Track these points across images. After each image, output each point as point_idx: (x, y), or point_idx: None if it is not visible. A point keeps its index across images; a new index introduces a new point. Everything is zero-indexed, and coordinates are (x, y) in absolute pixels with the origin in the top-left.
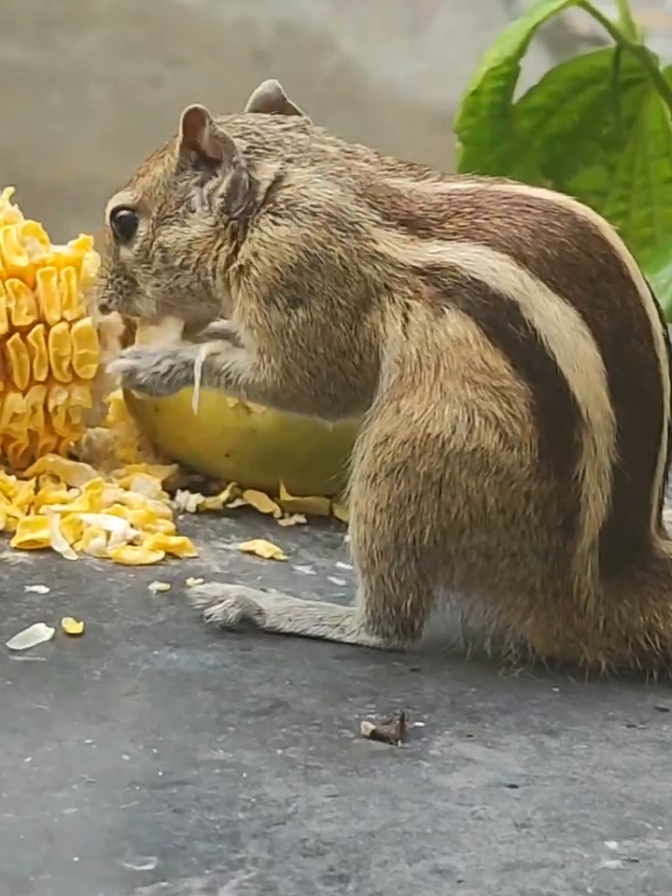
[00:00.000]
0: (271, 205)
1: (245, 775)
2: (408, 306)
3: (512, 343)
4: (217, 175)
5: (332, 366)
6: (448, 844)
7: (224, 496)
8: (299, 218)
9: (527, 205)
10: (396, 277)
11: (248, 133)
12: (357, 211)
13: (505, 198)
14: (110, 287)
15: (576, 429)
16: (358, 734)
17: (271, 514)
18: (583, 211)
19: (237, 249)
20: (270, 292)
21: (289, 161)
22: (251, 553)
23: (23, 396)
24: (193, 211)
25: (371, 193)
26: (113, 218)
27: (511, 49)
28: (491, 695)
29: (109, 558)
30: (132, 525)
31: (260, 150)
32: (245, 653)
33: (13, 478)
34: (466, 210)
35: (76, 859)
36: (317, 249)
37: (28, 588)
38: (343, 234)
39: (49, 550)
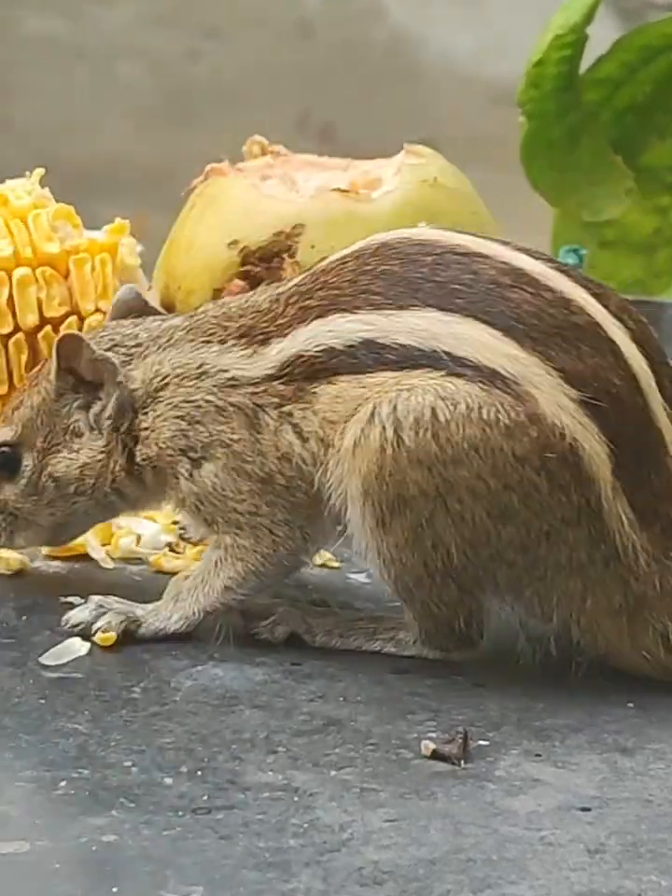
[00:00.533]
0: (144, 401)
1: (296, 798)
2: (285, 413)
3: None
4: (101, 397)
5: (266, 495)
6: (515, 872)
7: None
8: (162, 398)
9: (340, 262)
10: (258, 393)
11: (115, 346)
12: (201, 355)
13: (320, 270)
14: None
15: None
16: (418, 753)
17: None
18: (392, 236)
19: (131, 455)
20: (173, 469)
21: (145, 357)
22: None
23: None
24: (80, 435)
25: (206, 331)
26: None
27: (578, 15)
28: (561, 711)
29: (147, 566)
30: (166, 530)
31: (128, 360)
32: (296, 668)
33: None
34: (292, 300)
35: (115, 889)
36: (185, 408)
37: (62, 599)
38: (198, 381)
39: (84, 557)
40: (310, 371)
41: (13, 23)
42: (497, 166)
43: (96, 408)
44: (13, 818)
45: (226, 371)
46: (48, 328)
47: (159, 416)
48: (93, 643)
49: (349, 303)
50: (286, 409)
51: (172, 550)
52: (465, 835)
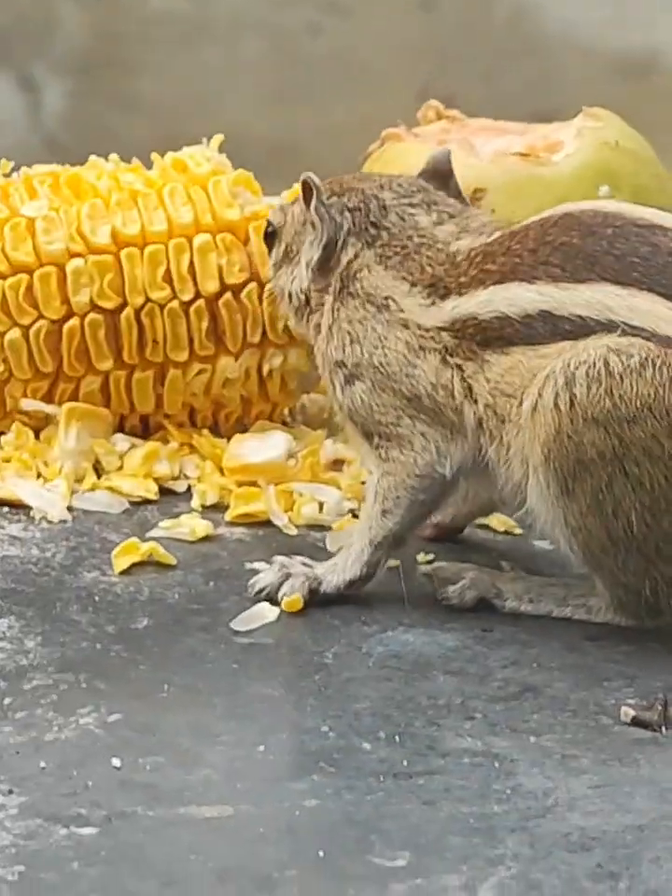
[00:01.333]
0: (338, 288)
1: (497, 764)
2: (455, 364)
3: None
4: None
5: (408, 410)
6: None
7: None
8: (347, 303)
9: (525, 230)
10: (426, 337)
11: (354, 210)
12: (393, 287)
13: (508, 234)
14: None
15: None
16: (617, 720)
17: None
18: (577, 207)
19: (319, 318)
20: (329, 377)
21: (367, 245)
22: (484, 527)
23: (236, 359)
24: (299, 266)
25: (411, 266)
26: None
27: None
28: None
29: (330, 532)
30: (349, 497)
31: (356, 232)
32: (487, 634)
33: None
34: (478, 260)
35: (321, 854)
36: (356, 329)
37: (248, 565)
38: (377, 311)
39: (267, 524)
40: (482, 337)
41: (139, 2)
42: None
43: (312, 250)
44: (215, 782)
45: (403, 311)
46: (228, 294)
47: (335, 321)
48: (281, 608)
49: (528, 273)
50: (454, 360)
51: (355, 516)
52: (671, 802)
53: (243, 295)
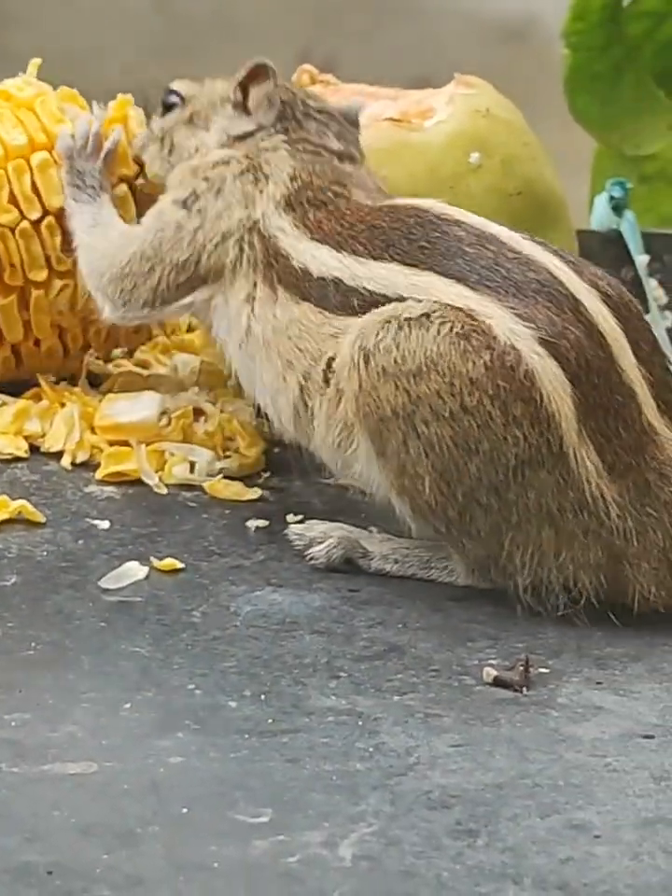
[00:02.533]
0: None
1: (360, 723)
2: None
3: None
4: (242, 121)
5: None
6: (582, 797)
7: None
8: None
9: (368, 208)
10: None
11: (288, 111)
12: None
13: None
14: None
15: None
16: (480, 680)
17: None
18: (406, 201)
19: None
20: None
21: (284, 132)
22: (352, 488)
23: None
24: (207, 131)
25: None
26: (167, 94)
27: None
28: (618, 640)
29: (202, 492)
30: (223, 452)
31: (281, 131)
32: (353, 594)
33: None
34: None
35: (184, 810)
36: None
37: (118, 524)
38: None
39: (136, 483)
40: (285, 276)
41: None
42: None
43: (235, 124)
44: (79, 739)
45: (259, 201)
46: None
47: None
48: (151, 567)
49: (340, 243)
50: (255, 275)
51: (226, 477)
52: (530, 761)
53: None
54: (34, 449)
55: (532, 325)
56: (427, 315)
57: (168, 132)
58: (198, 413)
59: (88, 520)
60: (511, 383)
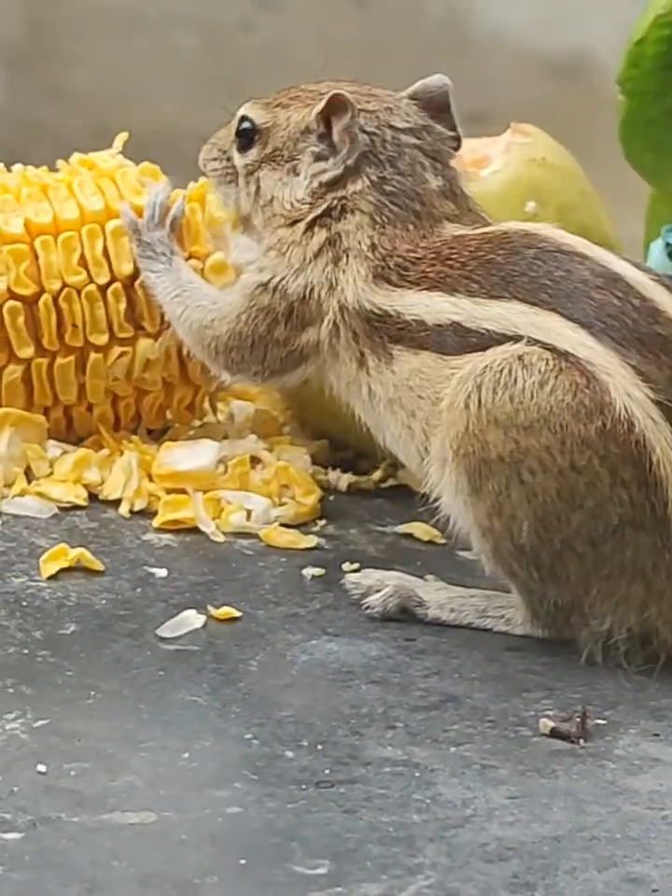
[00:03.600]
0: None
1: (417, 774)
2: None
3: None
4: (328, 161)
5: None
6: (639, 850)
7: (377, 475)
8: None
9: (469, 239)
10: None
11: (374, 135)
12: (368, 239)
13: (459, 237)
14: (220, 163)
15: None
16: (536, 731)
17: (428, 495)
18: (516, 226)
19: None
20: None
21: (375, 179)
22: (409, 536)
23: (155, 340)
24: (296, 175)
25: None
26: (240, 122)
27: None
28: None
29: (258, 539)
30: (279, 500)
31: (367, 162)
32: (409, 644)
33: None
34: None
35: (242, 861)
36: (297, 251)
37: (175, 572)
38: (334, 251)
39: (193, 531)
40: (396, 333)
41: None
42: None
43: (321, 166)
44: (138, 788)
45: (341, 275)
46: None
47: (293, 244)
48: (208, 616)
49: (452, 285)
50: (360, 346)
51: (283, 525)
52: (587, 814)
53: None
54: (92, 497)
55: (651, 385)
56: (545, 367)
57: (253, 170)
58: (255, 460)
59: (145, 568)
60: (623, 448)
